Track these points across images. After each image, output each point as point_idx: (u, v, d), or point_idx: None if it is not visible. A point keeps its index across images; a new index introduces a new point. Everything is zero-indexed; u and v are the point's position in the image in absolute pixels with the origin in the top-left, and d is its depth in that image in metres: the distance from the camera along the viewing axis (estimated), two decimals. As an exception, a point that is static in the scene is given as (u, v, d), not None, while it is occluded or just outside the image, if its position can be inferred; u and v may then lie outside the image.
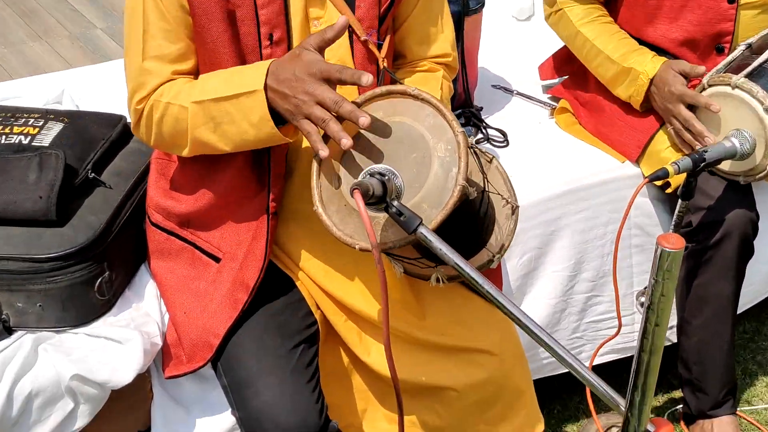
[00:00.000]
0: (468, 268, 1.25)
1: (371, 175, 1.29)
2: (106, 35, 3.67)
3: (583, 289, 2.01)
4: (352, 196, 1.22)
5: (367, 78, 1.28)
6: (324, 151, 1.30)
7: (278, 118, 1.36)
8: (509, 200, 1.52)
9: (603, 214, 2.00)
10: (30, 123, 1.64)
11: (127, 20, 1.44)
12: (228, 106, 1.36)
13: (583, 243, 1.98)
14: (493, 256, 1.51)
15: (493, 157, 1.56)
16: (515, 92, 2.31)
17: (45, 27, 3.75)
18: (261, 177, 1.53)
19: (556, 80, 2.25)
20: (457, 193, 1.28)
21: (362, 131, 1.34)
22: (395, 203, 1.27)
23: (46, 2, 3.95)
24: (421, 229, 1.27)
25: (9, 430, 1.44)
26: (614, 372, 2.02)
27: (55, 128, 1.63)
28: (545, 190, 1.96)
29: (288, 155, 1.53)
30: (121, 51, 3.45)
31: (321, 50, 1.33)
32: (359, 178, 1.30)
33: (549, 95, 2.27)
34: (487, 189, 1.48)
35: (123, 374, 1.48)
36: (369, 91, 1.36)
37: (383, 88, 1.36)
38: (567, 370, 1.17)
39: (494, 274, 1.69)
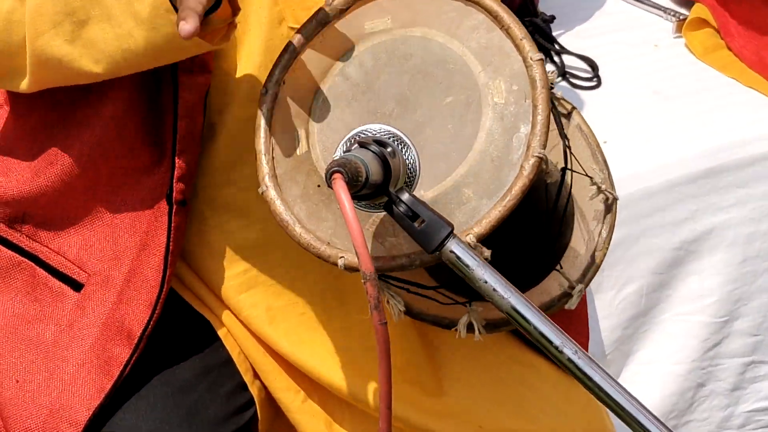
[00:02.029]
0: (536, 318, 1.20)
1: (362, 145, 1.21)
2: None
3: (739, 350, 1.96)
4: (330, 185, 1.16)
5: None
6: (189, 24, 1.22)
7: None
8: (602, 186, 1.46)
9: (776, 212, 2.03)
10: None
11: None
12: None
13: (738, 264, 1.93)
14: (573, 287, 1.45)
15: (573, 107, 1.52)
16: (613, -11, 2.31)
17: None
18: (158, 137, 1.48)
19: (688, -30, 2.33)
20: (529, 170, 1.23)
21: (356, 55, 1.31)
22: (405, 197, 1.21)
23: None
24: (452, 245, 1.20)
25: None
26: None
27: None
28: (668, 169, 1.89)
29: (208, 99, 1.46)
30: None
31: None
32: (338, 152, 1.25)
33: (675, -4, 2.31)
34: (569, 166, 1.43)
35: None
36: None
37: None
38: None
39: (576, 319, 1.63)
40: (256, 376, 1.51)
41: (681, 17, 2.21)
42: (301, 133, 1.32)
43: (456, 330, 1.42)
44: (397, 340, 1.50)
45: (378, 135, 1.25)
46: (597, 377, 1.19)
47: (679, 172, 1.93)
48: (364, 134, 1.25)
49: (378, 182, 1.20)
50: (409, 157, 1.25)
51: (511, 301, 1.19)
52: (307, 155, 1.31)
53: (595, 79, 2.11)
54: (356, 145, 1.22)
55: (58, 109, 1.49)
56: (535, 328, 1.19)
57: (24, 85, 1.41)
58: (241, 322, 1.52)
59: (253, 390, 1.50)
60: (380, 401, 1.20)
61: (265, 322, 1.50)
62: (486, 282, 1.20)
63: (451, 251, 1.19)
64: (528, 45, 1.27)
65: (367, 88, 1.31)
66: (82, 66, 1.37)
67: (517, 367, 1.56)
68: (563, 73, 2.12)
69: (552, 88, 1.33)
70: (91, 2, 1.33)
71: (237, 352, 1.51)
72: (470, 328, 1.42)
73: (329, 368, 1.50)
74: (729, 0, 2.13)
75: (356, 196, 1.19)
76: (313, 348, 1.51)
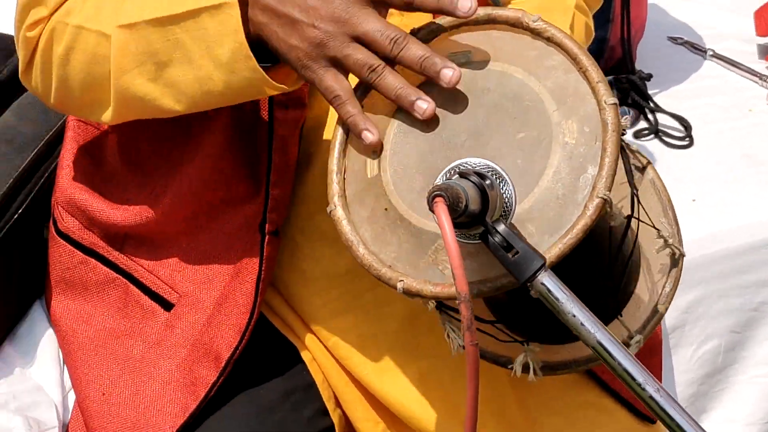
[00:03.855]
0: (621, 355, 1.24)
1: (462, 175, 1.25)
2: None
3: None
4: (432, 209, 1.20)
5: (469, 2, 1.27)
6: (372, 134, 1.31)
7: (267, 52, 1.35)
8: (669, 240, 1.49)
9: None
10: None
11: None
12: (178, 32, 1.37)
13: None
14: (631, 337, 1.47)
15: (649, 162, 1.55)
16: (710, 53, 2.40)
17: None
18: (254, 170, 1.54)
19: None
20: (592, 210, 1.25)
21: (434, 84, 1.33)
22: (501, 228, 1.25)
23: None
24: (544, 278, 1.24)
25: None
26: None
27: None
28: (753, 230, 1.98)
29: (306, 131, 1.52)
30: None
31: None
32: (439, 179, 1.28)
33: (772, 62, 2.34)
34: (636, 215, 1.45)
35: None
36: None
37: (481, 11, 1.35)
38: None
39: (649, 367, 1.62)
40: (337, 404, 1.56)
41: (778, 84, 2.25)
42: (373, 155, 1.35)
43: (511, 368, 1.44)
44: (484, 372, 1.44)
45: (478, 167, 1.27)
46: (677, 416, 1.21)
47: (765, 234, 2.00)
48: (464, 166, 1.27)
49: (475, 212, 1.22)
50: (506, 191, 1.28)
51: (597, 336, 1.22)
52: (377, 178, 1.33)
53: (687, 139, 2.19)
54: (456, 175, 1.25)
55: (164, 144, 1.56)
56: (620, 364, 1.21)
57: (107, 117, 1.47)
58: (328, 349, 1.55)
59: (334, 417, 1.55)
60: (465, 425, 1.21)
61: (354, 348, 1.54)
62: (575, 316, 1.23)
63: (542, 283, 1.22)
64: (603, 89, 1.29)
65: (442, 118, 1.33)
66: (163, 104, 1.41)
67: (593, 411, 1.59)
68: (656, 130, 2.19)
69: (624, 133, 1.34)
70: (173, 45, 1.37)
71: (321, 378, 1.56)
72: (526, 368, 1.43)
73: (411, 401, 1.53)
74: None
75: (453, 224, 1.21)
76: (396, 378, 1.54)
